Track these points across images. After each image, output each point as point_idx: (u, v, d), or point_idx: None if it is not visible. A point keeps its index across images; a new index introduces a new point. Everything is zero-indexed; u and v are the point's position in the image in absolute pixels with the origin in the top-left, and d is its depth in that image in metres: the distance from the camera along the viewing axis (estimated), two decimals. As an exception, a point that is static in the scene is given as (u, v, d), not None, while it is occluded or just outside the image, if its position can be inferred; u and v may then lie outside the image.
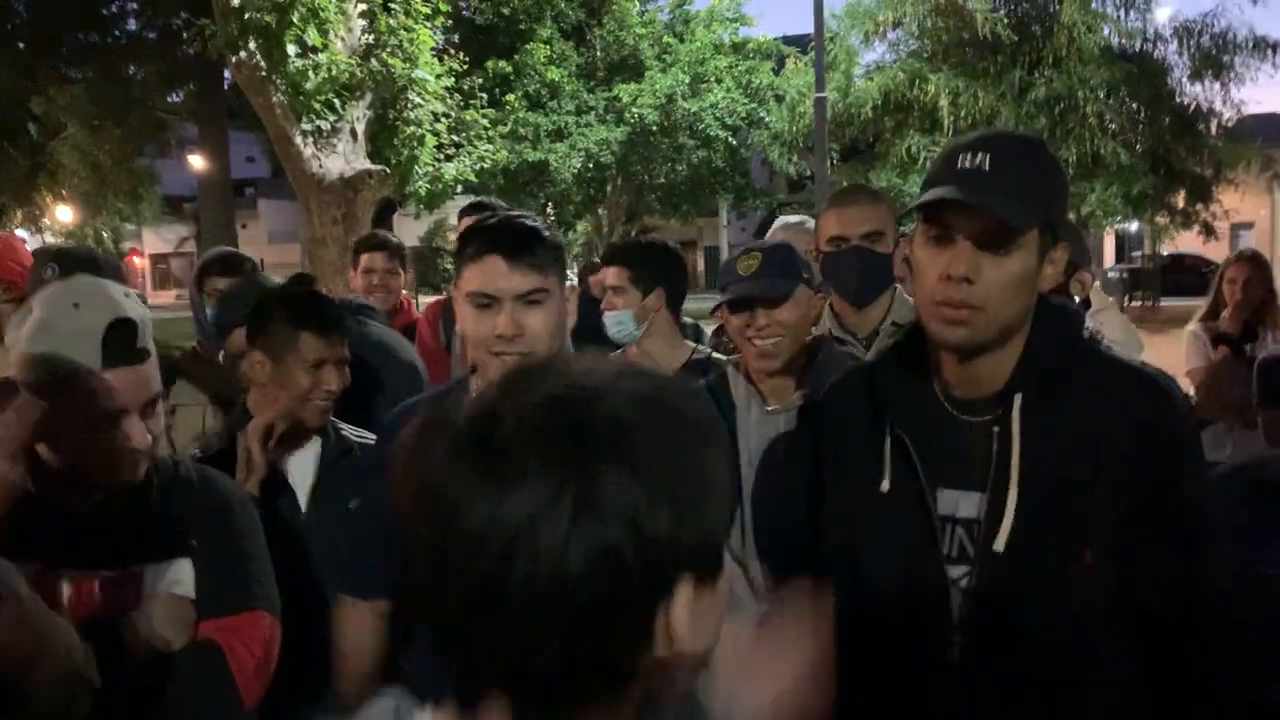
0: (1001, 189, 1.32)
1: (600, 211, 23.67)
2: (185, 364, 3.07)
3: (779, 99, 21.33)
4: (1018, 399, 1.40)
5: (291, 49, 7.95)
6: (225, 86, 19.27)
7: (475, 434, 0.71)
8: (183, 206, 34.95)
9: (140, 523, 1.66)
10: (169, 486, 1.73)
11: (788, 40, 23.04)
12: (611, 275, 2.91)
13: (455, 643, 0.75)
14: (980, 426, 1.43)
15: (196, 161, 23.09)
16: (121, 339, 1.64)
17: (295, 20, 7.85)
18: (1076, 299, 2.23)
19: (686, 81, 20.56)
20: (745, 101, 21.31)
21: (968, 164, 1.36)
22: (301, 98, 8.23)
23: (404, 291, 4.17)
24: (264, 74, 7.92)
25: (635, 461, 0.70)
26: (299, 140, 8.36)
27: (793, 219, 3.54)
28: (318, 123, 8.44)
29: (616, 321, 2.88)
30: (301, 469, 2.37)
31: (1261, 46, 19.64)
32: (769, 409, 2.22)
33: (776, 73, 22.15)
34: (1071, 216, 17.52)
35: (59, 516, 1.58)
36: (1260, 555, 1.63)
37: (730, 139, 21.59)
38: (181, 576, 1.67)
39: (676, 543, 0.71)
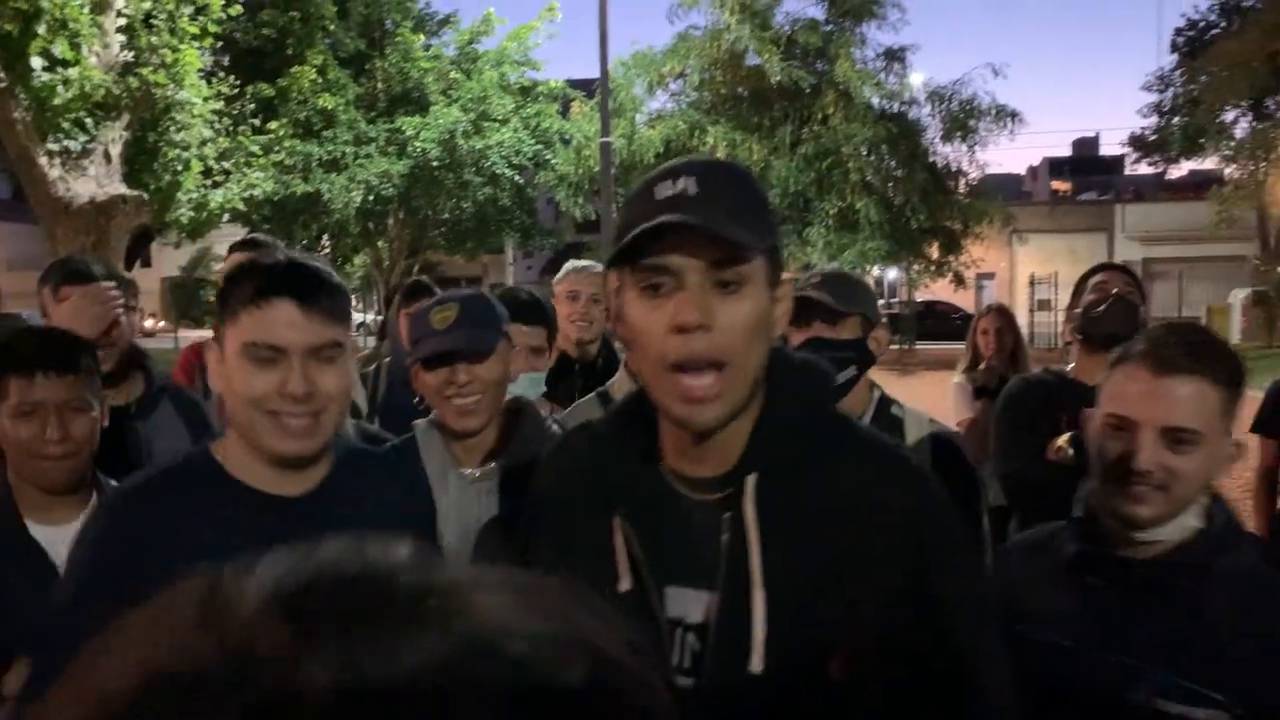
0: (718, 211, 1.10)
1: (380, 245, 23.04)
2: None
3: (565, 141, 21.57)
4: (750, 481, 1.17)
5: (37, 61, 7.29)
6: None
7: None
8: (-96, 227, 31.45)
9: None
10: None
11: (574, 84, 23.35)
12: (532, 334, 2.66)
13: None
14: (711, 510, 1.19)
15: (-79, 178, 20.82)
16: None
17: (42, 31, 7.20)
18: (877, 357, 2.27)
19: (468, 119, 20.37)
20: (532, 142, 21.39)
21: (670, 191, 1.13)
22: (48, 115, 7.56)
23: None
24: (4, 86, 7.22)
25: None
26: (44, 161, 7.67)
27: (582, 263, 3.53)
28: (66, 142, 7.80)
29: (536, 383, 2.59)
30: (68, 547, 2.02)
31: (1002, 114, 21.65)
32: (465, 472, 2.04)
33: (563, 115, 22.35)
34: (835, 265, 18.70)
35: None
36: (1032, 619, 1.58)
37: (517, 178, 21.58)
38: None
39: None
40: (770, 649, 1.12)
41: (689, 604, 1.19)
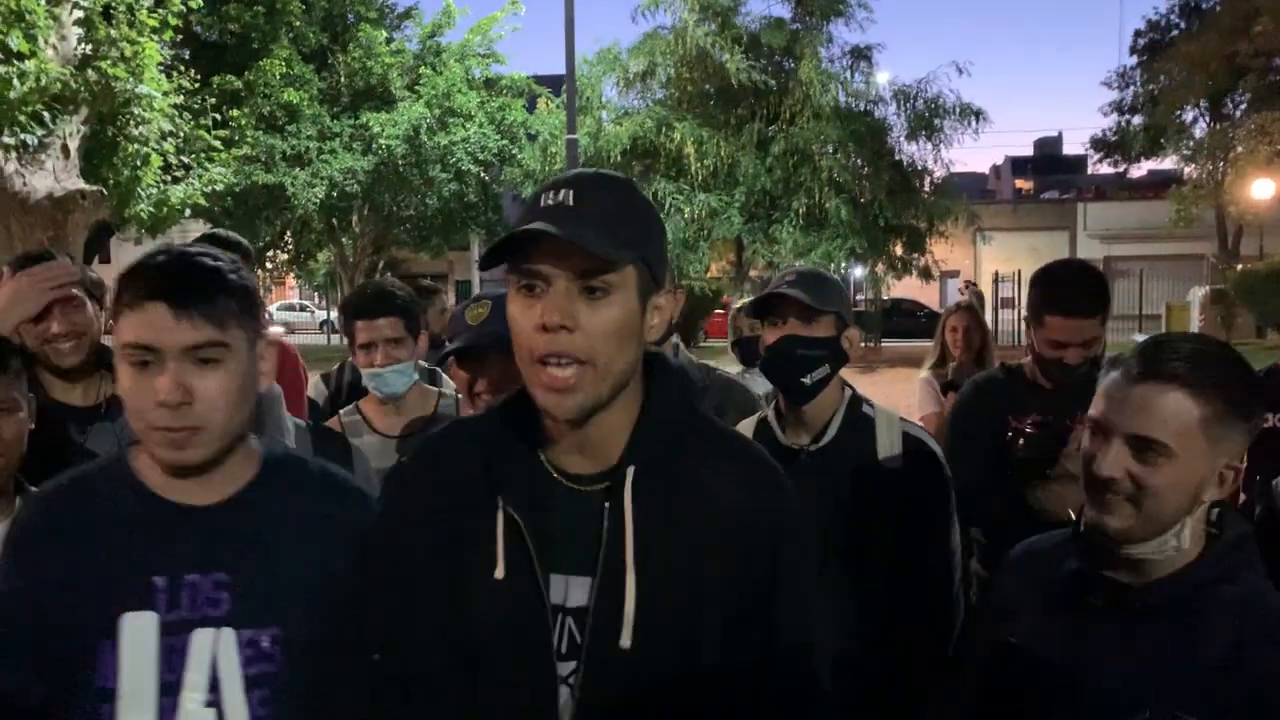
0: (589, 223, 1.20)
1: (345, 242, 22.84)
2: None
3: (531, 137, 21.47)
4: (629, 472, 1.27)
5: (-9, 53, 7.15)
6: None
7: None
8: None
9: None
10: None
11: (540, 80, 23.26)
12: (390, 326, 2.79)
13: None
14: (591, 502, 1.28)
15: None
16: None
17: (-4, 23, 7.07)
18: (849, 357, 2.28)
19: (433, 115, 20.22)
20: (497, 137, 21.26)
21: (551, 201, 1.24)
22: (3, 108, 7.41)
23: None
24: (-43, 79, 7.08)
25: None
26: (0, 155, 7.51)
27: None
28: (23, 136, 7.64)
29: (403, 373, 2.80)
30: None
31: (966, 113, 21.76)
32: None
33: (529, 110, 22.25)
34: (800, 264, 18.75)
35: None
36: (1030, 632, 1.55)
37: (482, 174, 21.45)
38: None
39: None
40: (638, 627, 1.23)
41: (570, 590, 1.28)
